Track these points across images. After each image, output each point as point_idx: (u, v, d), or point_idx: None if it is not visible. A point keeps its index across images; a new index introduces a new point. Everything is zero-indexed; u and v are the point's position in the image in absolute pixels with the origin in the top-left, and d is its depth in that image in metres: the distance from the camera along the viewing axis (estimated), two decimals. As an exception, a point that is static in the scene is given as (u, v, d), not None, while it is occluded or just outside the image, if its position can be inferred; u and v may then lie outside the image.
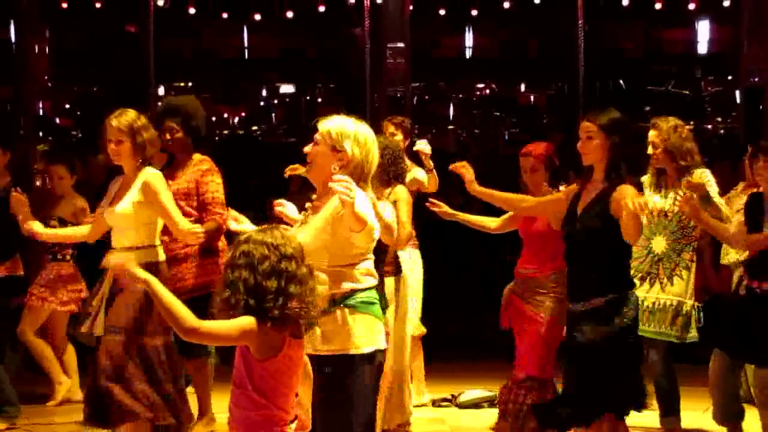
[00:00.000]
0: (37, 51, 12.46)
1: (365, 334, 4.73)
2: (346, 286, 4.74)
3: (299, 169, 7.73)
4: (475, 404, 8.33)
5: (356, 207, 4.51)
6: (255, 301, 3.90)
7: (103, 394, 6.21)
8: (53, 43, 13.42)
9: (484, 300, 7.52)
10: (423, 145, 7.83)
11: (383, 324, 4.90)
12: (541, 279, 6.82)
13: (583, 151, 5.92)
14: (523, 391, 6.80)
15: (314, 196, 4.96)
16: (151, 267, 6.34)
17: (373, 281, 4.83)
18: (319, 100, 23.97)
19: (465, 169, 6.63)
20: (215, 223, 6.91)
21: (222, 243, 7.19)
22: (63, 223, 8.13)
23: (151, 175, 6.37)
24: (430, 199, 7.15)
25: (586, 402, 5.79)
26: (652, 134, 7.10)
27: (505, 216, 7.12)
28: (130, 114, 6.41)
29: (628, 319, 5.75)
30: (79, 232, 6.77)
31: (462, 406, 8.38)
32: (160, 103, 6.91)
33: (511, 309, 6.95)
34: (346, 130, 4.84)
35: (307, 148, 4.94)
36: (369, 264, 4.81)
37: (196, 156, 7.05)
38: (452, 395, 8.50)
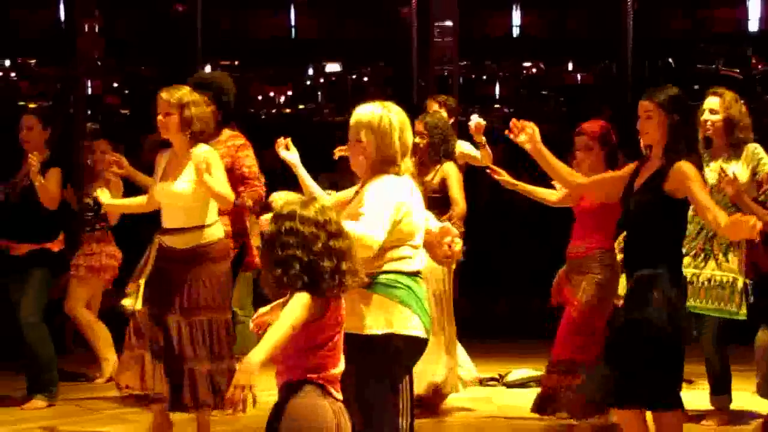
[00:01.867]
0: (86, 30, 12.51)
1: (377, 316, 4.67)
2: (367, 267, 4.71)
3: (346, 151, 7.75)
4: (523, 384, 8.32)
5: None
6: (310, 279, 3.92)
7: (188, 377, 6.25)
8: (102, 22, 13.45)
9: (534, 277, 7.49)
10: (477, 119, 7.78)
11: (414, 311, 4.78)
12: (584, 258, 6.77)
13: (642, 130, 5.86)
14: (555, 375, 6.79)
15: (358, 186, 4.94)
16: (203, 249, 6.37)
17: (406, 267, 4.77)
18: (366, 79, 23.98)
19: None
20: (257, 193, 6.93)
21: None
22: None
23: (205, 152, 6.40)
24: (491, 167, 7.11)
25: (623, 382, 5.69)
26: (713, 102, 7.00)
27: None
28: (182, 89, 6.46)
29: (670, 298, 5.65)
30: (137, 201, 6.79)
31: (509, 385, 8.38)
32: (189, 78, 6.89)
33: (559, 289, 6.94)
34: (362, 120, 4.83)
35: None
36: (405, 250, 4.76)
37: (226, 131, 7.04)
38: (499, 375, 8.50)
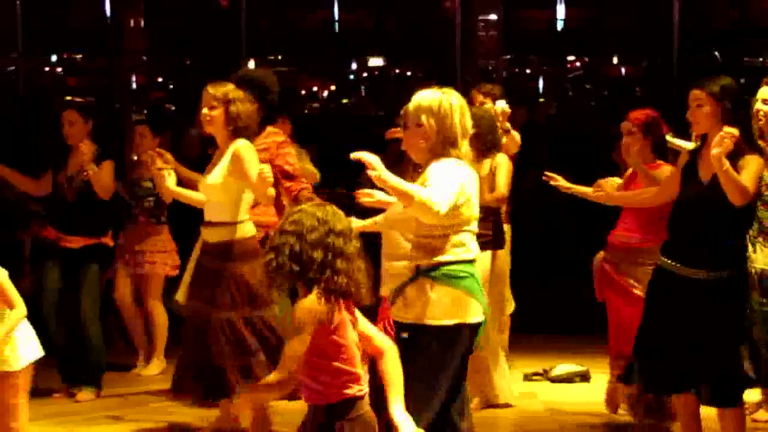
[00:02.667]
0: (132, 25, 12.60)
1: (445, 306, 4.69)
2: (432, 257, 4.72)
3: (399, 133, 7.75)
4: (567, 379, 8.28)
5: (399, 185, 4.52)
6: (299, 269, 3.91)
7: (220, 371, 6.29)
8: (147, 17, 13.55)
9: (579, 270, 7.44)
10: (503, 105, 7.75)
11: (477, 299, 4.84)
12: (638, 250, 6.72)
13: (693, 120, 5.81)
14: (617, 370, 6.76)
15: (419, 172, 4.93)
16: (231, 245, 6.37)
17: (467, 255, 4.80)
18: (408, 73, 23.96)
19: (555, 180, 6.65)
20: (308, 190, 6.89)
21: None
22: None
23: (242, 145, 6.39)
24: (546, 173, 7.09)
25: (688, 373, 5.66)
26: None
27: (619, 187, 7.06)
28: (228, 85, 6.48)
29: (743, 296, 5.64)
30: (199, 196, 6.76)
31: (554, 380, 8.34)
32: (233, 74, 6.89)
33: (605, 280, 6.87)
34: (422, 104, 4.84)
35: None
36: (465, 237, 4.78)
37: (268, 128, 7.02)
38: (544, 369, 8.46)
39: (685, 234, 5.77)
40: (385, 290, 4.92)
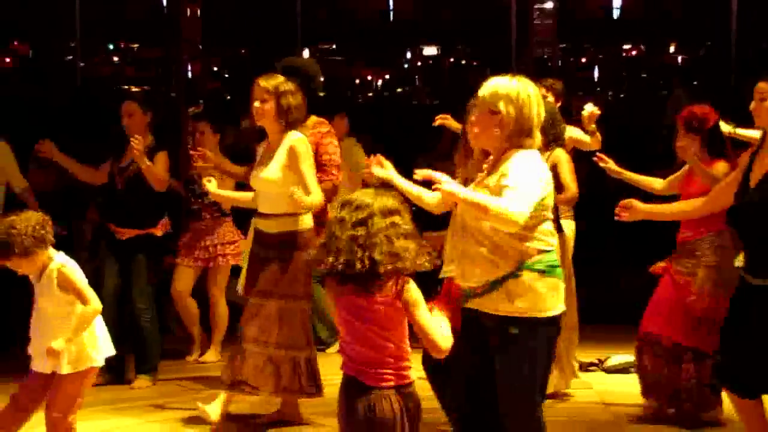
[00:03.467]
0: (188, 14, 12.67)
1: (550, 297, 4.71)
2: (533, 248, 4.70)
3: (449, 120, 7.74)
4: (623, 369, 8.24)
5: (471, 197, 4.50)
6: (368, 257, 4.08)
7: (246, 359, 6.34)
8: (204, 6, 13.61)
9: (635, 261, 7.40)
10: (592, 107, 7.72)
11: (563, 285, 4.86)
12: (695, 242, 6.68)
13: (756, 113, 5.70)
14: (662, 360, 6.72)
15: (489, 161, 4.89)
16: (295, 236, 6.41)
17: (554, 243, 4.81)
18: (463, 62, 23.91)
19: (605, 162, 6.59)
20: (331, 183, 6.90)
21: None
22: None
23: (297, 139, 6.41)
24: (598, 155, 7.06)
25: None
26: None
27: (671, 177, 7.01)
28: (279, 77, 6.49)
29: None
30: (246, 196, 6.81)
31: (609, 370, 8.30)
32: (276, 63, 6.89)
33: (667, 275, 6.84)
34: (499, 91, 4.76)
35: (471, 120, 4.92)
36: (550, 225, 4.78)
37: (312, 118, 7.01)
38: (599, 360, 8.42)
39: (746, 241, 5.65)
40: (467, 279, 4.85)
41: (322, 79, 7.22)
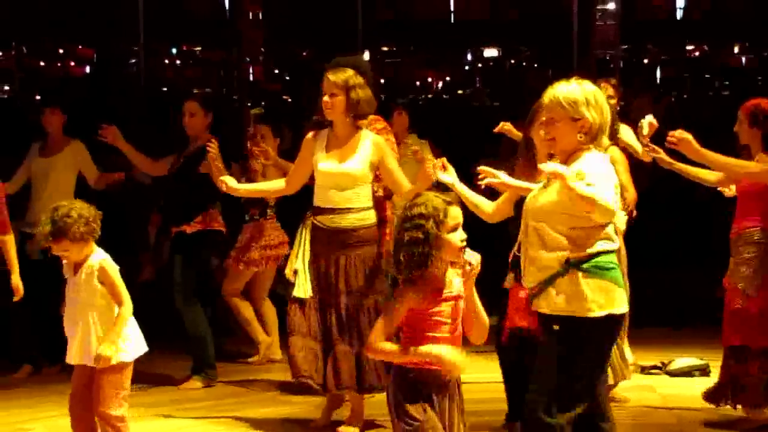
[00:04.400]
0: (250, 17, 12.74)
1: (598, 298, 4.69)
2: (583, 249, 4.70)
3: (507, 126, 7.71)
4: (687, 372, 8.16)
5: (579, 188, 4.49)
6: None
7: (335, 359, 6.34)
8: (265, 8, 13.68)
9: (700, 262, 7.33)
10: (651, 119, 7.68)
11: (623, 288, 4.83)
12: (736, 238, 6.61)
13: None
14: (731, 363, 6.65)
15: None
16: (368, 230, 6.41)
17: (613, 245, 4.79)
18: (524, 63, 23.84)
19: (656, 153, 6.55)
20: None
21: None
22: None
23: (378, 136, 6.43)
24: (649, 144, 7.00)
25: None
26: None
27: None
28: (348, 71, 6.46)
29: None
30: (276, 185, 6.78)
31: (672, 374, 8.22)
32: (326, 64, 6.85)
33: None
34: (577, 96, 4.76)
35: (545, 127, 4.89)
36: (611, 228, 4.77)
37: (371, 116, 6.96)
38: (662, 363, 8.35)
39: None
40: (527, 281, 4.87)
41: (372, 76, 7.19)
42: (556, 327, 4.67)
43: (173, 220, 7.77)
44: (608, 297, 4.73)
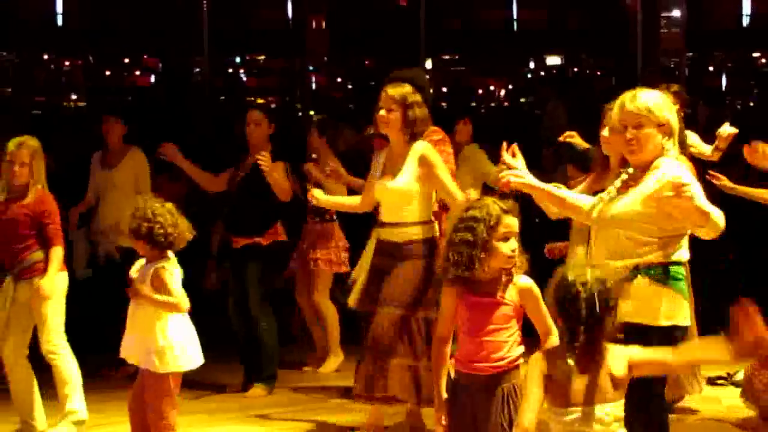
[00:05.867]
0: (314, 26, 12.80)
1: (666, 308, 4.65)
2: (656, 258, 4.66)
3: (573, 135, 7.67)
4: (753, 384, 8.06)
5: (698, 202, 4.45)
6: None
7: (375, 369, 6.33)
8: (329, 18, 13.74)
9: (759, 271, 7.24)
10: (729, 128, 7.62)
11: (688, 302, 4.78)
12: None
13: None
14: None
15: (630, 170, 4.85)
16: (430, 243, 6.41)
17: (686, 256, 4.74)
18: (587, 71, 23.71)
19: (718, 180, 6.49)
20: None
21: None
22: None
23: (425, 147, 6.39)
24: (710, 172, 6.94)
25: None
26: None
27: None
28: (407, 87, 6.46)
29: None
30: (352, 201, 6.84)
31: (738, 384, 8.12)
32: (385, 78, 6.84)
33: None
34: (661, 102, 4.75)
35: (631, 134, 4.83)
36: (686, 239, 4.73)
37: (430, 127, 6.93)
38: (728, 374, 8.25)
39: None
40: None
41: (431, 90, 7.17)
42: (620, 335, 4.62)
43: (242, 232, 7.80)
44: (675, 308, 4.69)
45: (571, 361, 3.91)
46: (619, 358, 3.98)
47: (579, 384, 3.90)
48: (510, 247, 4.34)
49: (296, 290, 8.60)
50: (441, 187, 6.33)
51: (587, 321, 3.89)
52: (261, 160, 7.39)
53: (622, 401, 3.98)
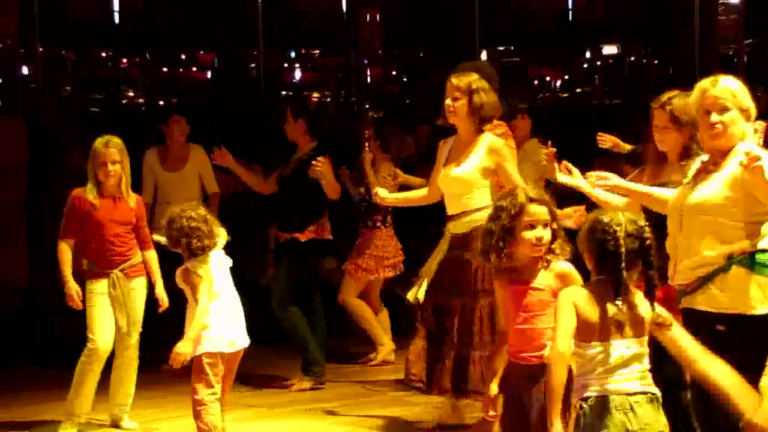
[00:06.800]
0: (368, 19, 12.79)
1: (761, 295, 4.58)
2: (750, 245, 4.60)
3: (613, 141, 7.61)
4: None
5: None
6: None
7: (460, 362, 6.31)
8: (383, 11, 13.72)
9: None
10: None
11: None
12: None
13: None
14: None
15: (704, 157, 4.81)
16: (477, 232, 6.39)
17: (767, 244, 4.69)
18: (644, 60, 23.52)
19: None
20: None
21: None
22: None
23: (495, 140, 6.36)
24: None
25: None
26: None
27: None
28: (472, 75, 6.41)
29: None
30: (418, 194, 6.78)
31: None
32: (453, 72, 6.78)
33: None
34: (739, 87, 4.71)
35: (715, 118, 4.78)
36: (765, 226, 4.67)
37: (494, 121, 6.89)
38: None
39: None
40: (679, 277, 4.79)
41: (498, 80, 7.13)
42: (721, 327, 4.54)
43: (285, 227, 7.84)
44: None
45: (619, 302, 4.00)
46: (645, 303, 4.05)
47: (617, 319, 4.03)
48: (535, 234, 4.36)
49: (341, 294, 8.58)
50: (508, 180, 6.29)
51: (627, 258, 3.98)
52: (316, 167, 7.42)
53: (644, 338, 4.06)
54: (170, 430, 6.71)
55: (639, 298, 4.06)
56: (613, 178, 5.13)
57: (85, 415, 6.59)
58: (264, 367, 7.96)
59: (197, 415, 5.56)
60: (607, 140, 7.63)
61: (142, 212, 6.70)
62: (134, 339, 6.62)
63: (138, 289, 6.59)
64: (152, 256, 6.64)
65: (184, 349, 5.51)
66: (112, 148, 6.52)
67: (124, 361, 6.63)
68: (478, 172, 6.29)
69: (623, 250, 3.98)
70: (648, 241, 4.03)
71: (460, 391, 6.34)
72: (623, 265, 3.99)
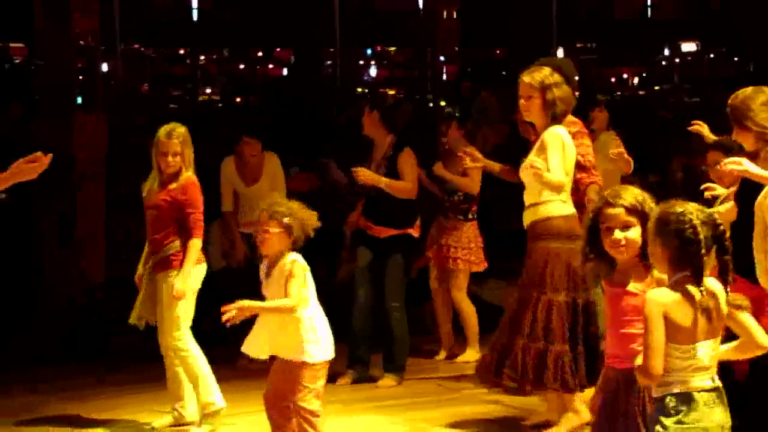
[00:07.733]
0: (445, 16, 12.75)
1: None
2: None
3: (703, 128, 7.48)
4: None
5: None
6: None
7: (512, 352, 6.29)
8: (461, 7, 13.65)
9: None
10: None
11: None
12: None
13: None
14: None
15: None
16: (544, 224, 6.33)
17: None
18: (723, 58, 23.22)
19: None
20: (596, 184, 6.72)
21: None
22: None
23: (549, 131, 6.30)
24: None
25: None
26: None
27: None
28: (544, 70, 6.37)
29: None
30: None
31: None
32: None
33: None
34: None
35: None
36: None
37: (567, 117, 6.84)
38: None
39: None
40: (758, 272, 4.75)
41: (577, 78, 7.08)
42: None
43: (386, 222, 7.81)
44: None
45: (703, 289, 3.91)
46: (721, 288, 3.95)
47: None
48: (612, 237, 4.26)
49: (432, 283, 8.59)
50: (551, 170, 6.25)
51: (706, 245, 3.90)
52: (358, 174, 7.51)
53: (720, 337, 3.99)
54: (248, 426, 6.70)
55: (716, 284, 3.97)
56: (743, 164, 5.01)
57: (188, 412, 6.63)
58: (338, 364, 7.95)
59: (312, 426, 5.44)
60: (700, 127, 7.51)
61: (186, 197, 6.42)
62: (174, 340, 6.47)
63: (173, 289, 6.38)
64: (194, 246, 6.41)
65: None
66: (174, 139, 6.43)
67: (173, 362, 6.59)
68: (543, 163, 6.27)
69: (702, 237, 3.89)
70: (721, 227, 3.94)
71: (540, 385, 6.32)
72: (703, 251, 3.89)
